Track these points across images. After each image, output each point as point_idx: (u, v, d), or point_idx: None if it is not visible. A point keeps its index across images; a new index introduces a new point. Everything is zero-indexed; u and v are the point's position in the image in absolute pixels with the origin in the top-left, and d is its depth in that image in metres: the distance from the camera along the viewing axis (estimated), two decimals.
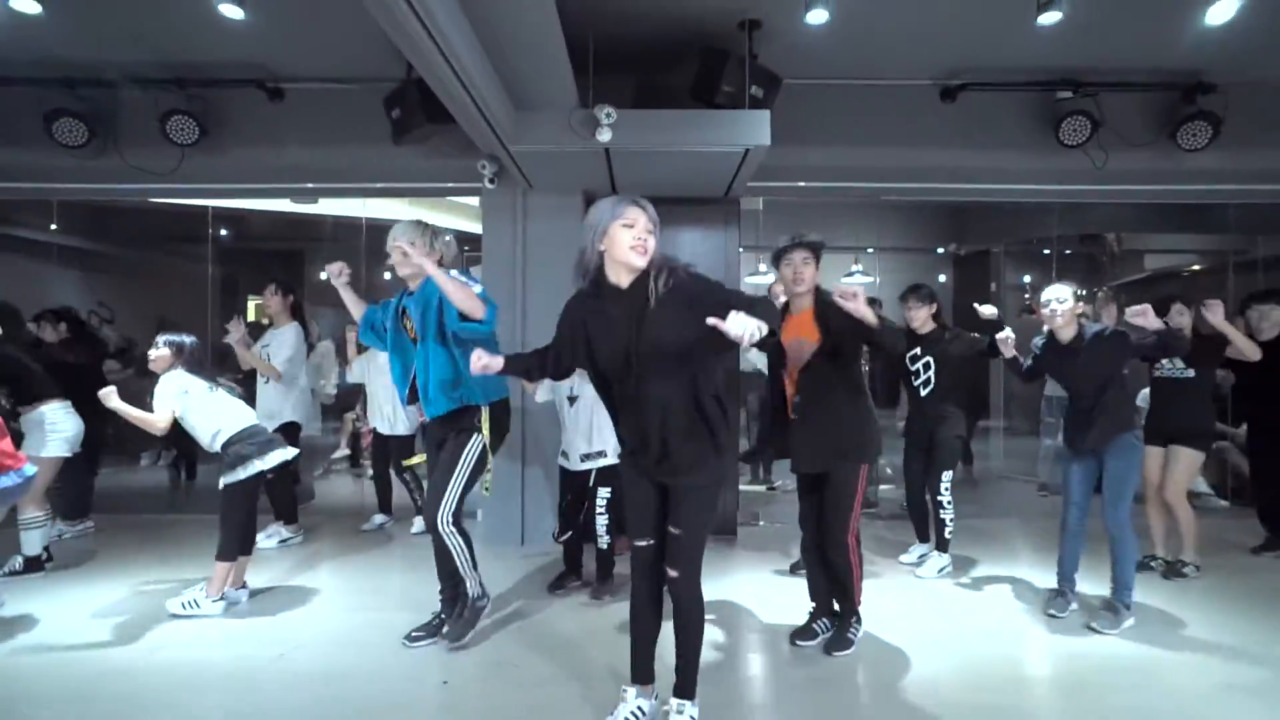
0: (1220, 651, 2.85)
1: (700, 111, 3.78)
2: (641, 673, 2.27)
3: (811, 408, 2.77)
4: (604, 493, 3.50)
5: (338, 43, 4.07)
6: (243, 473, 3.14)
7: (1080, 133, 4.34)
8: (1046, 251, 8.43)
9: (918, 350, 3.82)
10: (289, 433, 4.24)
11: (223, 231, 6.74)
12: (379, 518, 4.82)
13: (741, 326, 1.79)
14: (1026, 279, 8.41)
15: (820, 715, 2.43)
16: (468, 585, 2.87)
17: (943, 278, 9.96)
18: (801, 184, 4.77)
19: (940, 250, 9.75)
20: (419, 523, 4.57)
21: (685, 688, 2.21)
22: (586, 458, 3.51)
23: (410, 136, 4.15)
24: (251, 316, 6.89)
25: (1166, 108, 4.48)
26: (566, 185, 4.35)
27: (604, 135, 3.51)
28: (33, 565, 3.75)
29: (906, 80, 4.49)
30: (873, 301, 2.85)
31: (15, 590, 3.47)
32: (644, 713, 2.25)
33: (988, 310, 3.51)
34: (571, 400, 3.54)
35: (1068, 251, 8.76)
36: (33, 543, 3.75)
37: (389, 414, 4.63)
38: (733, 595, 3.49)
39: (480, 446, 2.83)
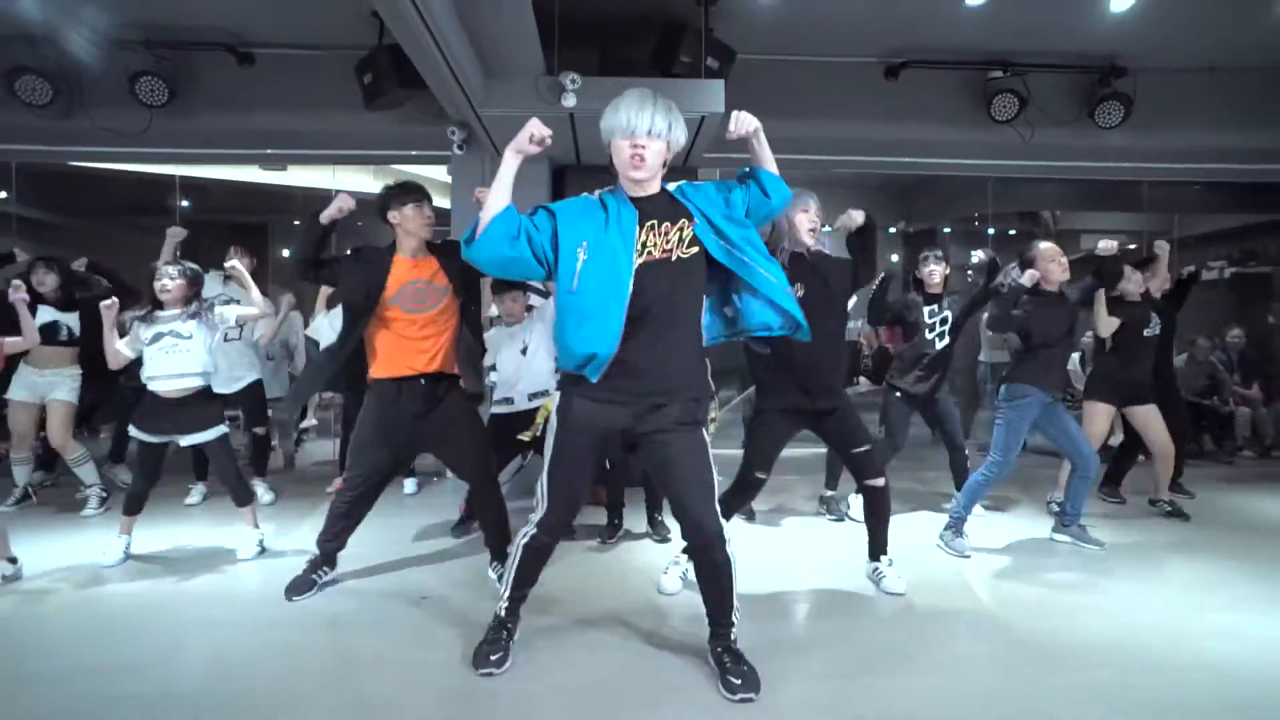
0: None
1: (659, 80, 4.02)
2: None
3: None
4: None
5: (308, 8, 4.20)
6: None
7: (1009, 109, 4.73)
8: (991, 232, 8.93)
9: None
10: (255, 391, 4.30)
11: (184, 203, 6.63)
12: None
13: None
14: (976, 256, 8.81)
15: None
16: None
17: (894, 257, 10.43)
18: None
19: (892, 230, 10.20)
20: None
21: None
22: (534, 396, 3.60)
23: (381, 102, 4.30)
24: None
25: (1086, 88, 4.89)
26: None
27: (569, 100, 3.73)
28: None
29: (852, 58, 4.82)
30: None
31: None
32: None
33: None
34: (524, 351, 3.63)
35: (1010, 232, 9.28)
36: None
37: None
38: None
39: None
